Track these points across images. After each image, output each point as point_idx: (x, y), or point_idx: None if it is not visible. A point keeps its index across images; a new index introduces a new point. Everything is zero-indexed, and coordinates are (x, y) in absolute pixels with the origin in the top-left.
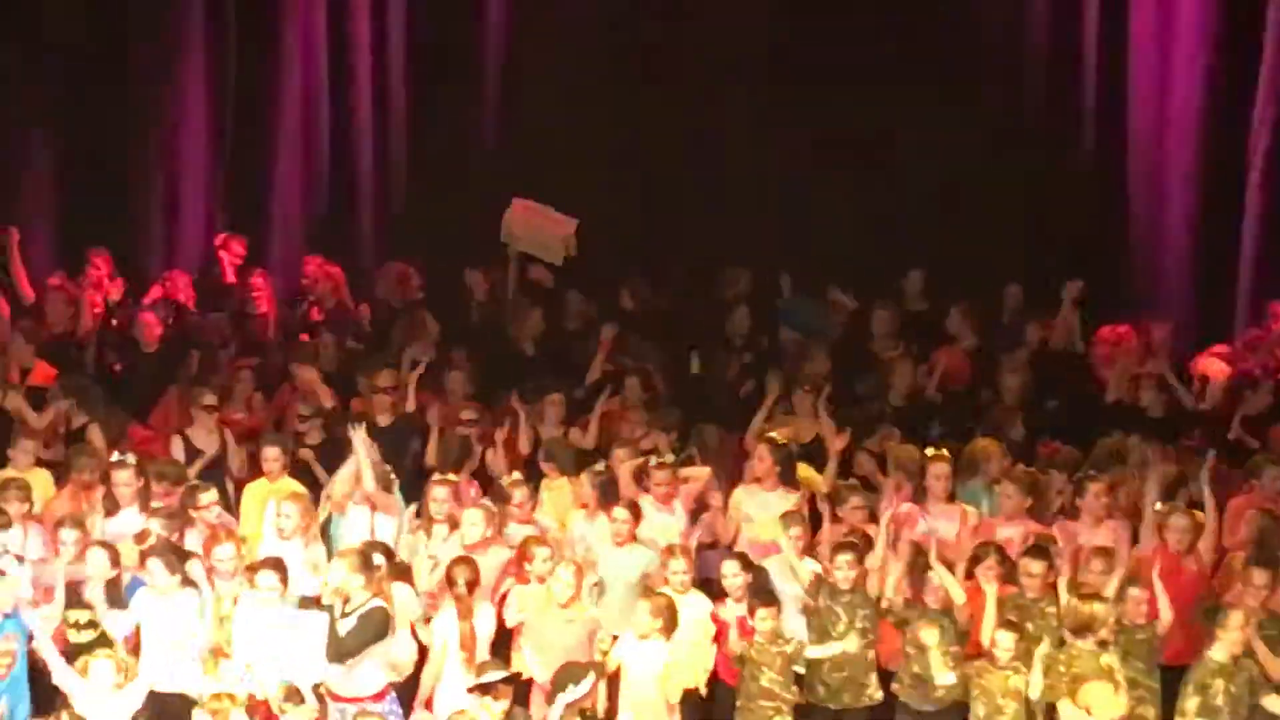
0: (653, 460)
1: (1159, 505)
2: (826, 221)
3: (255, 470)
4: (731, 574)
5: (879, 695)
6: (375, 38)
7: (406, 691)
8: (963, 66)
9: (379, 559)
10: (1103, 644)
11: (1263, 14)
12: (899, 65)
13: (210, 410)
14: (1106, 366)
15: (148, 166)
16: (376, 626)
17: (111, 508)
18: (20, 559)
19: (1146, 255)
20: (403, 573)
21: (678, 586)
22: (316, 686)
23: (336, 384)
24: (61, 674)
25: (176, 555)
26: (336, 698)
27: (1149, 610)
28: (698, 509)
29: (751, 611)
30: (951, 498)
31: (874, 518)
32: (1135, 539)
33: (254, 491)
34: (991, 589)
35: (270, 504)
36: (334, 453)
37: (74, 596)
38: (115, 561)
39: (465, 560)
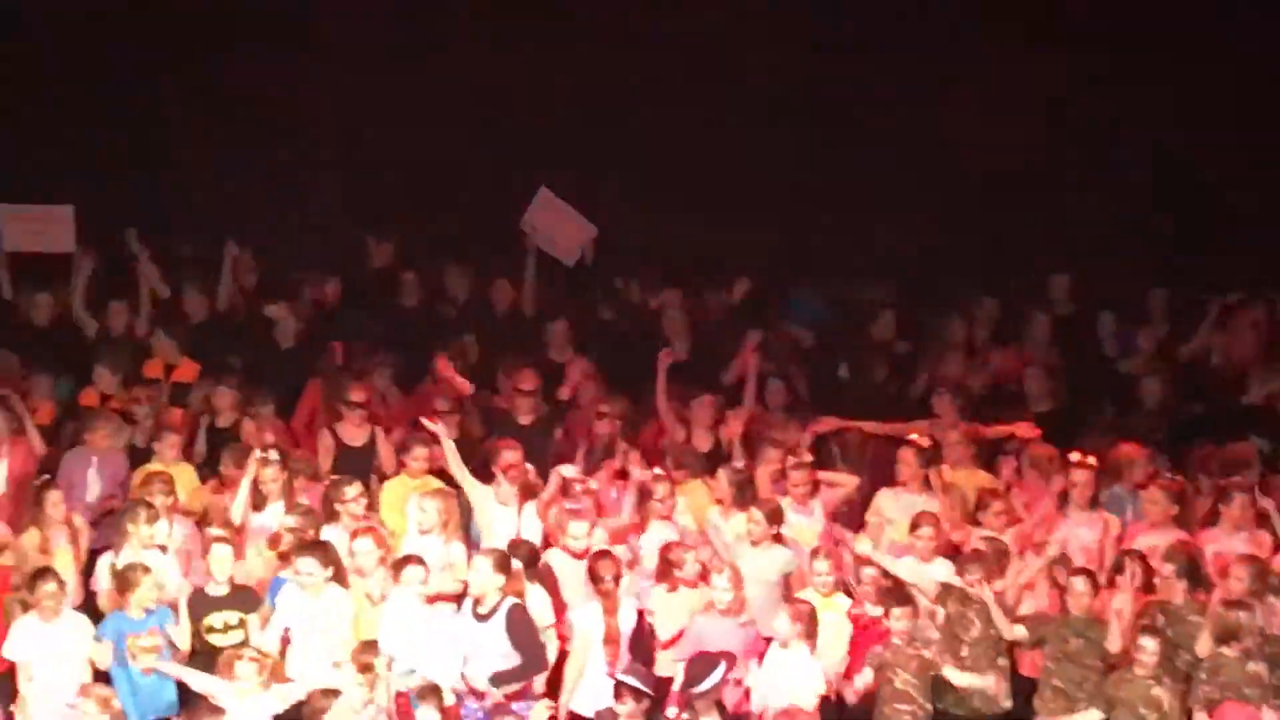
0: (790, 461)
1: None
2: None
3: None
4: (869, 578)
5: (1009, 704)
6: None
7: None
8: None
9: (517, 562)
10: (1247, 652)
11: None
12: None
13: (357, 405)
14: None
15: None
16: (525, 625)
17: (259, 503)
18: (164, 549)
19: None
20: (545, 575)
21: (821, 588)
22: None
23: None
24: (200, 682)
25: (326, 552)
26: (476, 695)
27: None
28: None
29: (887, 613)
30: (1094, 504)
31: (1016, 522)
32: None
33: (395, 487)
34: (1126, 597)
35: (412, 499)
36: (470, 449)
37: (217, 599)
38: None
39: (608, 555)
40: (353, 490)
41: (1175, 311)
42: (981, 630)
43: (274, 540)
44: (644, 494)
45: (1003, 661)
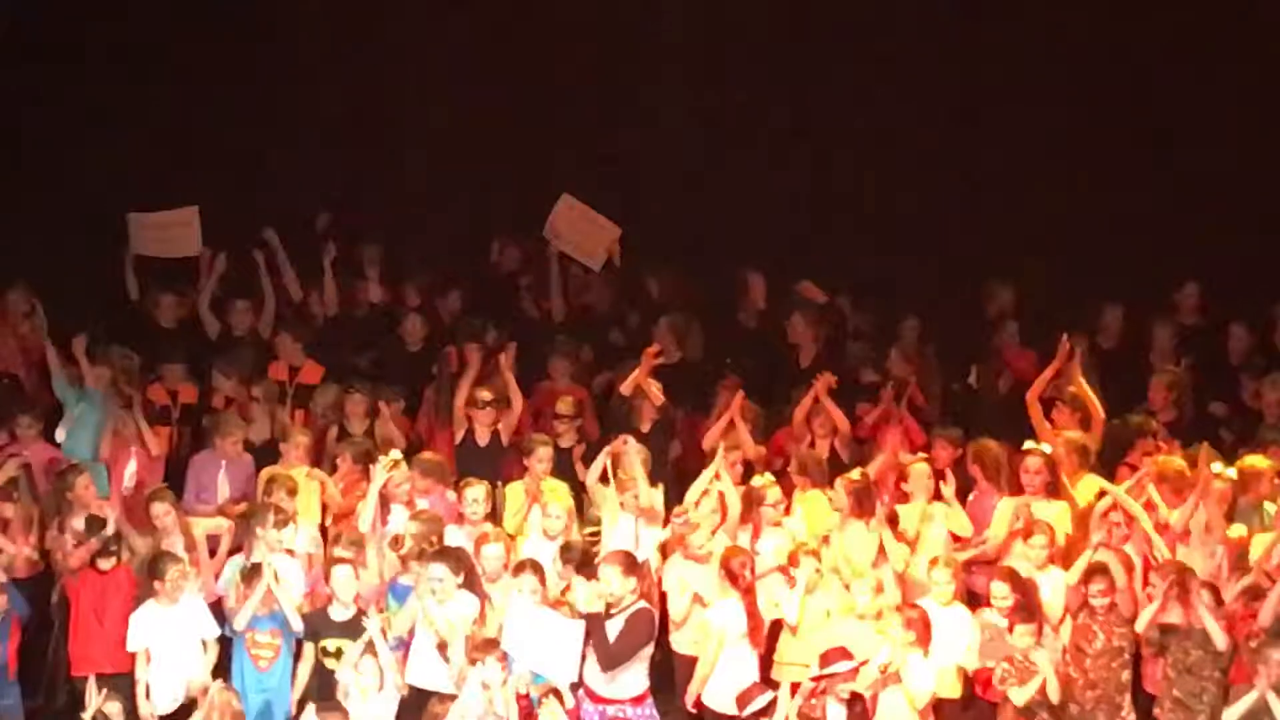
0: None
1: None
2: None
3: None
4: (1001, 595)
5: (1132, 718)
6: None
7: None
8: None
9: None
10: None
11: None
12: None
13: (487, 406)
14: None
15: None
16: (645, 629)
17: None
18: (291, 553)
19: None
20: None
21: (939, 597)
22: (575, 686)
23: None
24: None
25: (459, 558)
26: (596, 698)
27: None
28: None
29: (1010, 627)
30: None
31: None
32: None
33: (517, 490)
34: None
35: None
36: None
37: (338, 624)
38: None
39: (740, 550)
40: (473, 493)
41: None
42: (1105, 642)
43: (396, 543)
44: (754, 500)
45: (1126, 675)
